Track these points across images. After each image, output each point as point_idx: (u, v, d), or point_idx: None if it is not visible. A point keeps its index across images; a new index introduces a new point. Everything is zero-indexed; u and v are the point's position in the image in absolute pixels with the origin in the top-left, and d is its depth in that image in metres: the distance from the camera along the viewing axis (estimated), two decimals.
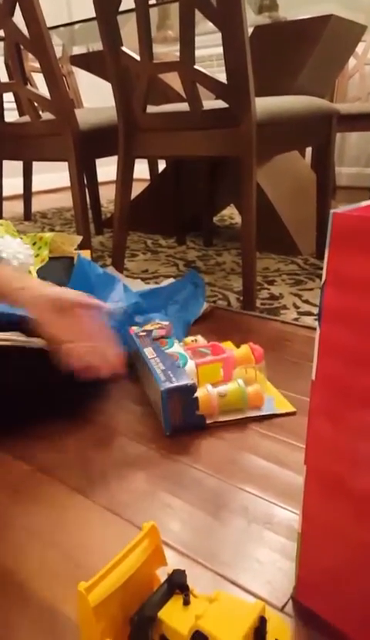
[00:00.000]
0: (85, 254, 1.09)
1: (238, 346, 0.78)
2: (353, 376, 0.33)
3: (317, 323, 0.34)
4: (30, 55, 1.60)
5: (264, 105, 0.99)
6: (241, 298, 1.12)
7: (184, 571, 0.37)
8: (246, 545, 0.48)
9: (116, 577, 0.36)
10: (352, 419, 0.33)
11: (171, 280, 1.22)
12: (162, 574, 0.39)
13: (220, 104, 0.97)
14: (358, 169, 2.55)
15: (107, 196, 2.64)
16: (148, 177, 2.07)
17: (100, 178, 1.90)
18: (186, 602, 0.35)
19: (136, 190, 1.88)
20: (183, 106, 1.04)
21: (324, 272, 0.32)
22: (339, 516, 0.36)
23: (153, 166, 2.06)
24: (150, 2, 0.97)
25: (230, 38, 0.90)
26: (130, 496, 0.54)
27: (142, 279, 1.30)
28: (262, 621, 0.32)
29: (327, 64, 1.34)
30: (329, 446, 0.35)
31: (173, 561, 0.46)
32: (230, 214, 2.04)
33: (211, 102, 1.01)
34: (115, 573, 0.36)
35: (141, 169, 2.17)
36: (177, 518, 0.51)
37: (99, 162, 1.66)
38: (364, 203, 0.33)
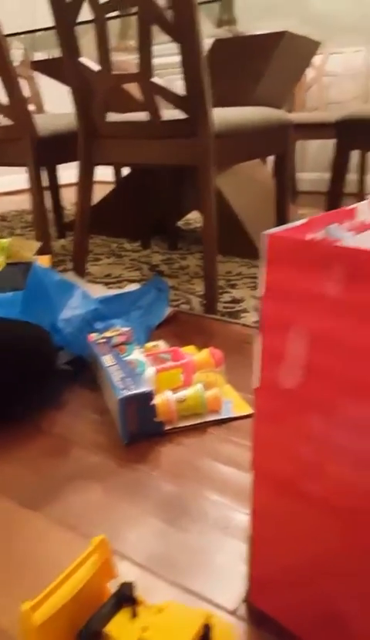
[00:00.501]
0: (45, 259, 1.07)
1: (200, 350, 0.79)
2: (293, 382, 0.33)
3: (257, 332, 0.34)
4: None
5: (222, 116, 1.01)
6: (204, 302, 1.13)
7: (132, 583, 0.37)
8: (203, 551, 0.48)
9: (63, 593, 0.36)
10: (294, 424, 0.34)
11: (135, 284, 1.21)
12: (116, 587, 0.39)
13: (179, 114, 0.98)
14: (318, 174, 2.62)
15: (71, 198, 2.61)
16: (113, 180, 2.06)
17: (64, 180, 1.87)
18: (134, 614, 0.35)
19: (102, 193, 1.87)
20: (143, 116, 1.04)
21: (261, 286, 0.33)
22: (289, 517, 0.37)
23: (117, 170, 2.06)
24: (109, 15, 0.97)
25: (186, 52, 0.91)
26: (86, 508, 0.54)
27: (105, 284, 1.29)
28: (207, 629, 0.32)
29: (283, 77, 1.37)
30: (275, 450, 0.36)
31: (129, 573, 0.46)
32: (195, 218, 2.05)
33: (171, 112, 1.02)
34: (62, 589, 0.36)
35: (106, 172, 2.16)
36: (134, 528, 0.51)
37: (62, 164, 1.64)
38: (296, 223, 0.34)
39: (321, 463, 0.33)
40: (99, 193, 1.87)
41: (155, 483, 0.57)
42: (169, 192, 1.55)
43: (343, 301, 0.29)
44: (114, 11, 0.95)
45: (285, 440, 0.35)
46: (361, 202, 0.43)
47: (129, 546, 0.49)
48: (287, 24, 1.26)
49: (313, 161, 2.64)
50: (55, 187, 1.83)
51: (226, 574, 0.46)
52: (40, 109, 2.08)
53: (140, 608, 0.36)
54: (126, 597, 0.36)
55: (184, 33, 0.90)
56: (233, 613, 0.42)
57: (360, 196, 2.27)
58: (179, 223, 1.94)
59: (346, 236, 0.39)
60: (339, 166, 1.18)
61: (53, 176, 1.82)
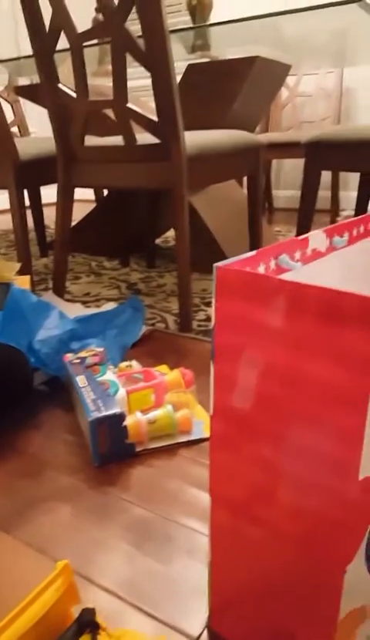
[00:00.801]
0: (25, 280, 1.08)
1: (172, 369, 0.80)
2: (243, 410, 0.35)
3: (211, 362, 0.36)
4: None
5: (195, 140, 1.04)
6: (178, 320, 1.14)
7: (94, 609, 0.37)
8: (169, 576, 0.49)
9: (25, 619, 0.36)
10: (247, 451, 0.36)
11: (112, 303, 1.23)
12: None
13: (153, 139, 1.01)
14: (293, 191, 2.68)
15: (54, 217, 2.63)
16: (94, 198, 2.08)
17: (48, 199, 1.89)
18: None
19: (84, 211, 1.89)
20: (119, 140, 1.07)
21: (212, 316, 0.35)
22: (244, 542, 0.38)
23: (98, 189, 2.08)
24: (85, 44, 1.00)
25: (158, 80, 0.94)
26: (55, 530, 0.54)
27: (84, 302, 1.30)
28: None
29: (255, 100, 1.42)
30: (229, 475, 0.37)
31: (96, 597, 0.47)
32: (174, 236, 2.08)
33: (145, 136, 1.05)
34: (25, 615, 0.37)
35: (88, 190, 2.18)
36: (102, 552, 0.52)
37: None
38: (246, 255, 0.36)
39: (272, 489, 0.35)
40: (81, 212, 1.89)
41: (124, 506, 0.58)
42: (147, 210, 1.58)
43: (284, 333, 0.31)
44: (90, 40, 0.98)
45: (238, 466, 0.36)
46: (315, 230, 0.45)
47: (96, 570, 0.50)
48: (260, 48, 1.30)
49: (289, 179, 2.70)
50: (38, 207, 1.85)
51: (192, 600, 0.46)
52: (25, 132, 2.11)
53: (102, 634, 0.37)
54: (87, 623, 0.37)
55: (156, 61, 0.93)
56: None
57: (334, 212, 2.33)
58: (158, 241, 1.97)
59: (295, 266, 0.41)
60: (309, 186, 1.22)
61: (36, 196, 1.83)
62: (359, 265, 0.52)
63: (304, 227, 1.26)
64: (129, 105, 0.98)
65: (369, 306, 0.28)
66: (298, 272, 0.42)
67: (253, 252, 0.38)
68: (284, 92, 2.39)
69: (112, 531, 0.54)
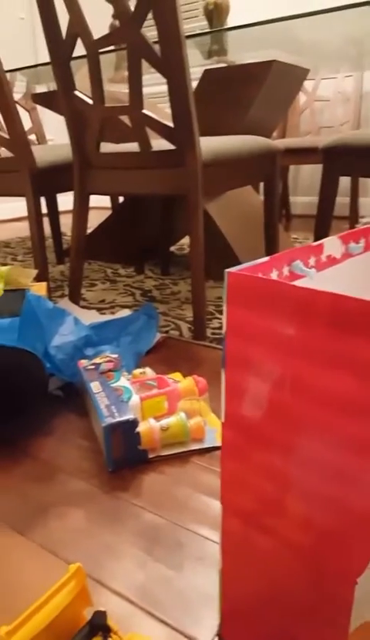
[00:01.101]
0: (41, 287, 1.10)
1: (185, 377, 0.80)
2: (254, 419, 0.35)
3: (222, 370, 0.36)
4: None
5: (210, 145, 1.04)
6: (192, 328, 1.15)
7: (105, 612, 0.37)
8: (180, 582, 0.49)
9: (39, 619, 0.37)
10: (257, 460, 0.35)
11: (126, 310, 1.24)
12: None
13: (168, 145, 1.02)
14: (310, 198, 2.67)
15: (70, 224, 2.67)
16: (110, 205, 2.11)
17: (65, 206, 1.92)
18: None
19: (100, 218, 1.91)
20: (134, 147, 1.08)
21: (224, 323, 0.35)
22: (255, 552, 0.38)
23: (113, 196, 2.11)
24: (101, 50, 1.01)
25: (174, 86, 0.95)
26: (67, 534, 0.55)
27: (99, 309, 1.31)
28: None
29: (273, 104, 1.42)
30: (240, 484, 0.37)
31: (107, 601, 0.47)
32: (189, 243, 2.09)
33: (160, 142, 1.06)
34: (38, 615, 0.37)
35: (104, 198, 2.20)
36: (114, 556, 0.52)
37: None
38: (259, 261, 0.36)
39: (282, 499, 0.34)
40: (98, 219, 1.91)
41: (135, 512, 0.58)
42: (162, 217, 1.59)
43: (295, 340, 0.31)
44: (106, 47, 0.99)
45: (249, 475, 0.36)
46: (330, 237, 0.44)
47: (107, 574, 0.50)
48: (277, 53, 1.30)
49: (306, 185, 2.69)
50: (54, 214, 1.88)
51: (202, 607, 0.46)
52: (42, 139, 2.15)
53: (114, 637, 0.37)
54: (99, 626, 0.37)
55: (172, 68, 0.93)
56: None
57: (353, 218, 2.31)
58: (173, 248, 1.98)
59: (309, 273, 0.41)
60: (327, 193, 1.21)
61: (53, 204, 1.86)
62: None
63: (321, 234, 1.25)
64: (145, 111, 0.99)
65: None
66: (312, 279, 0.41)
67: (266, 258, 0.37)
68: (301, 97, 2.38)
69: (123, 536, 0.54)
